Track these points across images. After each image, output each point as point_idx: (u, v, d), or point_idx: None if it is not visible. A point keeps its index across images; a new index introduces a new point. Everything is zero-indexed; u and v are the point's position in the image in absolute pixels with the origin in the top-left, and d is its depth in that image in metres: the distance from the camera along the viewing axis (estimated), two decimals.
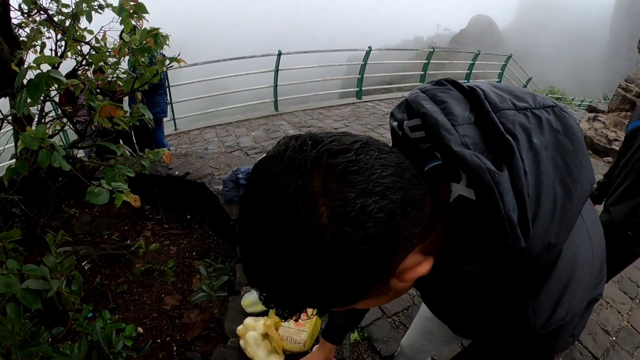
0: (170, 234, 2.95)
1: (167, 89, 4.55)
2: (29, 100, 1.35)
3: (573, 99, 18.73)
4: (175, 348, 2.01)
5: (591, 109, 9.30)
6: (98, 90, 2.25)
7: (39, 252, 2.30)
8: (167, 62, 2.00)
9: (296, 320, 0.61)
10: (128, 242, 2.70)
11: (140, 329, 2.06)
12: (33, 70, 1.43)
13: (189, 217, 3.18)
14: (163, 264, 2.54)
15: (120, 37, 2.03)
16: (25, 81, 1.37)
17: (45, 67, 1.45)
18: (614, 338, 2.68)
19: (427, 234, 0.49)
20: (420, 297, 2.25)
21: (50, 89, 1.54)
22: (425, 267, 0.49)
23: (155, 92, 4.25)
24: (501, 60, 12.12)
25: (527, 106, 0.54)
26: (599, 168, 5.88)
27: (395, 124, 0.60)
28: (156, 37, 1.82)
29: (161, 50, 2.09)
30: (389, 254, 0.44)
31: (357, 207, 0.40)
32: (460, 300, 0.66)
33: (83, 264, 2.38)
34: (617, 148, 6.22)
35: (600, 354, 2.52)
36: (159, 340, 2.04)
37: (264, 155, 0.47)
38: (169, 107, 5.46)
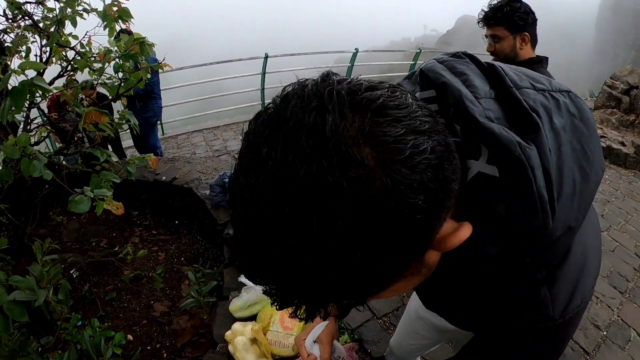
0: (159, 239, 2.94)
1: (160, 93, 4.55)
2: (12, 107, 1.34)
3: None
4: (165, 355, 1.99)
5: None
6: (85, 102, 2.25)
7: (27, 261, 2.27)
8: (150, 68, 1.99)
9: (324, 319, 0.49)
10: (116, 249, 2.68)
11: (130, 337, 2.05)
12: (17, 76, 1.42)
13: (177, 222, 3.16)
14: (152, 270, 2.53)
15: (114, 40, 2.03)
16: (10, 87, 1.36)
17: (31, 73, 1.44)
18: (605, 333, 2.71)
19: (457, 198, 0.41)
20: (407, 294, 2.27)
21: (35, 95, 1.52)
22: (467, 232, 0.42)
23: (148, 97, 4.26)
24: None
25: (544, 88, 0.52)
26: None
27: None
28: (142, 45, 1.82)
29: (153, 56, 2.08)
30: (439, 211, 0.37)
31: (409, 145, 0.33)
32: (472, 286, 0.61)
33: (71, 272, 2.36)
34: (604, 145, 6.33)
35: (592, 349, 2.55)
36: (148, 348, 2.03)
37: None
38: None
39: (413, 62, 10.03)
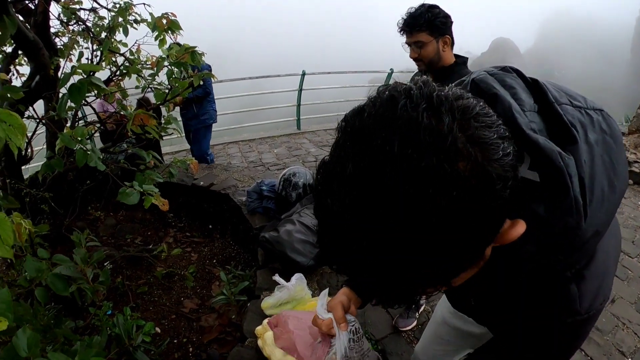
0: (192, 241, 3.04)
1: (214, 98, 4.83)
2: (70, 103, 1.46)
3: None
4: (191, 349, 2.05)
5: None
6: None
7: (62, 250, 2.41)
8: (201, 75, 2.11)
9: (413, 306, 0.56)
10: (150, 246, 2.79)
11: (158, 329, 2.12)
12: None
13: (210, 226, 3.26)
14: (184, 269, 2.61)
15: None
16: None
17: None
18: (630, 359, 2.61)
19: None
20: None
21: (90, 94, 1.65)
22: (522, 228, 0.48)
23: (204, 99, 4.49)
24: None
25: (580, 105, 0.57)
26: None
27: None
28: (193, 54, 1.94)
29: (205, 64, 2.21)
30: (510, 206, 0.42)
31: (500, 148, 0.39)
32: (507, 283, 0.65)
33: (105, 264, 2.47)
34: (638, 170, 6.09)
35: None
36: (175, 341, 2.10)
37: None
38: None
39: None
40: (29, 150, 2.09)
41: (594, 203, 0.51)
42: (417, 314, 2.53)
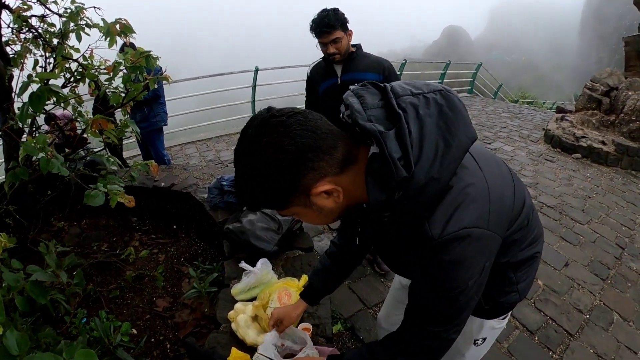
0: (158, 242, 3.06)
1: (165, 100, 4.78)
2: (31, 111, 1.48)
3: (544, 102, 19.42)
4: (168, 346, 2.11)
5: (559, 109, 9.75)
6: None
7: (30, 264, 2.37)
8: (156, 79, 2.15)
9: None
10: (117, 252, 2.79)
11: (134, 330, 2.16)
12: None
13: (175, 226, 3.29)
14: (153, 270, 2.65)
15: (120, 53, 2.17)
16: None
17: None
18: (588, 316, 2.85)
19: (340, 171, 0.78)
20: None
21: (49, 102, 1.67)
22: (326, 187, 0.77)
23: (155, 102, 4.44)
24: (472, 69, 12.61)
25: (420, 92, 0.81)
26: (568, 164, 6.22)
27: (341, 115, 0.86)
28: (148, 58, 1.98)
29: (157, 67, 2.24)
30: (297, 173, 0.74)
31: (277, 142, 0.72)
32: (386, 234, 0.95)
33: (74, 273, 2.47)
34: (585, 145, 6.59)
35: (575, 331, 2.69)
36: (152, 340, 2.15)
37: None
38: None
39: (400, 73, 10.31)
40: None
41: (424, 159, 0.73)
42: None
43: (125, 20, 2.07)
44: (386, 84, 0.84)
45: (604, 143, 6.56)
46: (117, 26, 2.09)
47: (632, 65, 7.84)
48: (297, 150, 0.72)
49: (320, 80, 2.63)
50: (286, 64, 8.33)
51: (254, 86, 7.66)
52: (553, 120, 7.63)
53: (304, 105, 3.01)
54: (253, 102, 7.85)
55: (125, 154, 6.21)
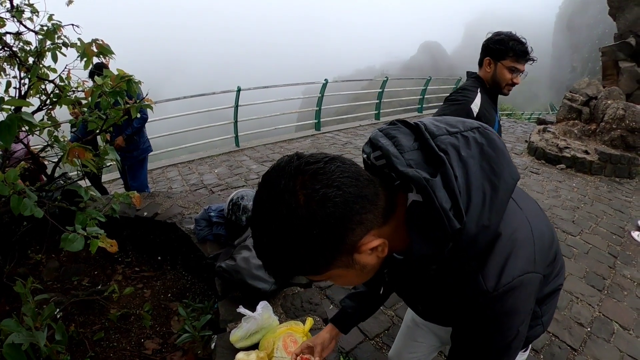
0: (143, 276, 2.86)
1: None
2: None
3: (522, 114, 19.83)
4: None
5: (540, 121, 9.92)
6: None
7: (6, 301, 2.18)
8: (140, 105, 2.01)
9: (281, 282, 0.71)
10: (99, 287, 2.59)
11: None
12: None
13: (159, 258, 3.10)
14: (139, 307, 2.45)
15: (92, 78, 2.02)
16: None
17: None
18: (589, 329, 2.83)
19: (383, 222, 0.68)
20: (395, 308, 2.30)
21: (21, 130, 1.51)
22: (375, 242, 0.67)
23: (143, 128, 4.31)
24: (452, 84, 12.79)
25: (457, 130, 0.73)
26: (553, 175, 6.26)
27: (364, 156, 0.79)
28: (129, 83, 1.84)
29: (139, 93, 2.10)
30: (345, 229, 0.62)
31: (320, 194, 0.60)
32: (427, 285, 0.85)
33: (54, 312, 2.26)
34: (569, 155, 6.67)
35: (579, 345, 2.66)
36: None
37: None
38: None
39: (381, 90, 10.37)
40: None
41: (473, 206, 0.66)
42: None
43: (101, 40, 1.93)
44: (418, 122, 0.76)
45: (587, 152, 6.64)
46: (94, 46, 1.94)
47: (610, 75, 8.05)
48: (345, 202, 0.61)
49: (489, 116, 2.11)
50: (270, 84, 8.27)
51: (236, 106, 7.54)
52: (535, 132, 7.72)
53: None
54: (235, 122, 7.72)
55: (104, 177, 5.98)
